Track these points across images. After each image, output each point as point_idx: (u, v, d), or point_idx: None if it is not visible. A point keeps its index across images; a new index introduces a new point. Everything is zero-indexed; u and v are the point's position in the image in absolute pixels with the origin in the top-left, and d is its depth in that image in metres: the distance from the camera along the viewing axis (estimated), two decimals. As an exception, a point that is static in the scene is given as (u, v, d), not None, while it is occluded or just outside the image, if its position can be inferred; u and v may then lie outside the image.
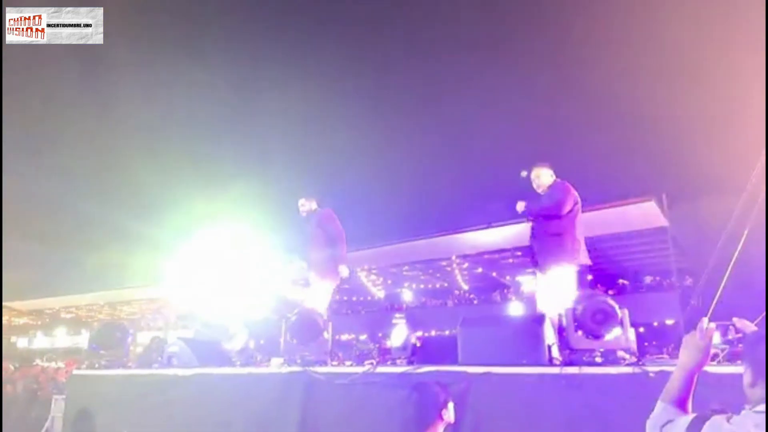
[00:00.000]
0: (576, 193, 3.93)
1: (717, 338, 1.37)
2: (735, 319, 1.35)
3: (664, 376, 2.42)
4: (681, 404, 1.32)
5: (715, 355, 1.40)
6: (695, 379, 1.34)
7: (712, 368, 2.29)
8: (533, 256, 4.01)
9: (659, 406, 1.36)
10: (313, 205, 4.93)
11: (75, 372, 4.45)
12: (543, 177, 4.07)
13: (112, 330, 4.42)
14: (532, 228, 4.05)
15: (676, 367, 1.38)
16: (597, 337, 2.69)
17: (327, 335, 3.47)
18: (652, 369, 2.46)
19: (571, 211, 3.85)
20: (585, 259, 3.84)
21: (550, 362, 2.76)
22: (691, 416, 1.22)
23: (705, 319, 1.33)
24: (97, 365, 4.22)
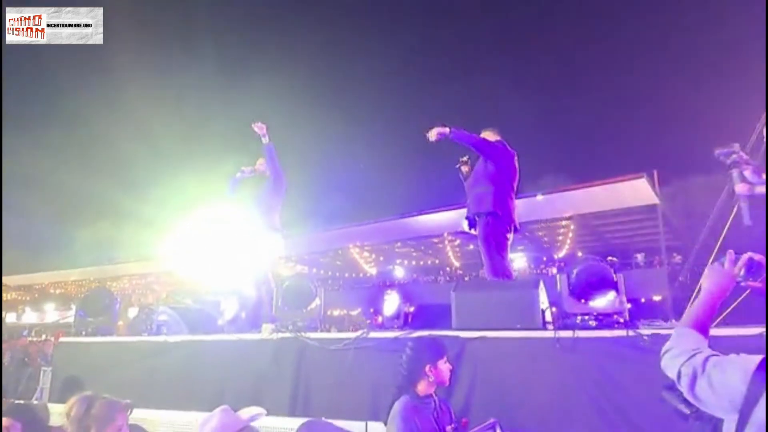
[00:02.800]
0: (516, 162, 3.84)
1: (742, 271, 1.29)
2: (750, 254, 1.30)
3: (658, 339, 2.42)
4: (703, 330, 1.26)
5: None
6: (718, 307, 1.29)
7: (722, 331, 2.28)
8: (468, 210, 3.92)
9: (678, 331, 1.27)
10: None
11: (62, 339, 4.37)
12: (487, 136, 3.90)
13: (99, 296, 4.33)
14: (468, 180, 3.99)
15: (700, 294, 1.32)
16: (591, 300, 2.67)
17: (319, 301, 3.43)
18: (645, 332, 2.46)
19: (510, 169, 3.78)
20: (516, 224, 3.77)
21: (544, 326, 2.75)
22: (756, 357, 1.10)
23: (731, 251, 1.31)
24: (83, 332, 4.15)
